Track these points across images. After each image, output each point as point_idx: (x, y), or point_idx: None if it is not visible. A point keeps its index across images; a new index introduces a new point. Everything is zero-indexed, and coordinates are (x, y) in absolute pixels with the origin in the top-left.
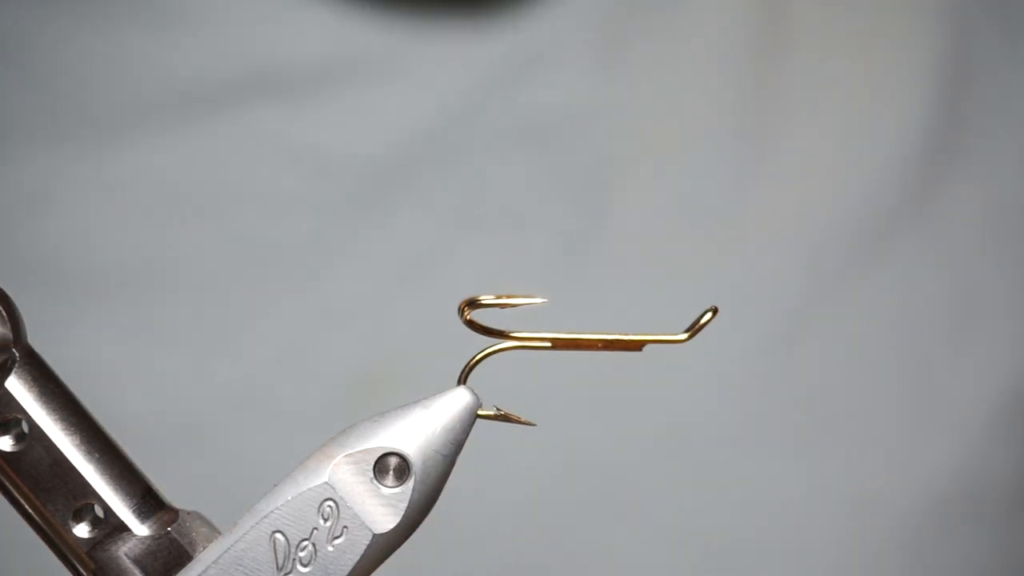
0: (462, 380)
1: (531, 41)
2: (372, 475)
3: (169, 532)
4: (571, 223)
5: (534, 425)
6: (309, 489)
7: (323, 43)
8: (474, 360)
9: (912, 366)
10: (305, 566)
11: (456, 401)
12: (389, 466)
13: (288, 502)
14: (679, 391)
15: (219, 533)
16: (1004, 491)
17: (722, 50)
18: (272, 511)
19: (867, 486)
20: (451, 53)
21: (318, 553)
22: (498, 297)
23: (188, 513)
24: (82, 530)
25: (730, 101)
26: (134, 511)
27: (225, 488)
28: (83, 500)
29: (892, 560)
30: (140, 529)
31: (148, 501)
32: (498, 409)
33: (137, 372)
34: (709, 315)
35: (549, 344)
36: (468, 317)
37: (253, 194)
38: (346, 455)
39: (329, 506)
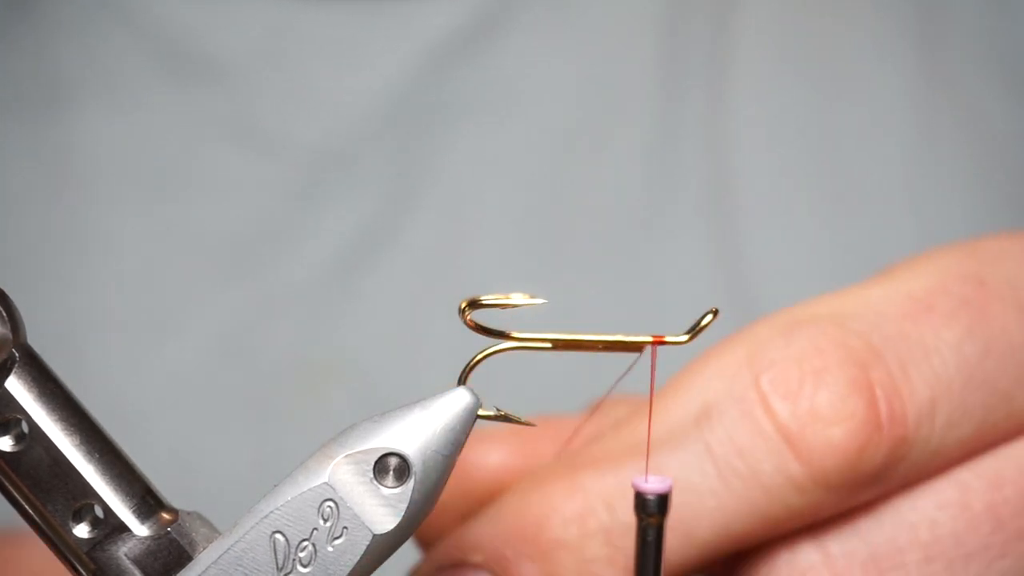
0: (462, 380)
1: (475, 7)
2: (372, 475)
3: (169, 532)
4: (531, 199)
5: (534, 425)
6: (309, 489)
7: (259, 24)
8: (474, 360)
9: None
10: (305, 566)
11: (456, 401)
12: (389, 466)
13: (288, 502)
14: None
15: (219, 533)
16: None
17: (680, 15)
18: (272, 511)
19: None
20: (391, 27)
21: (318, 553)
22: (500, 297)
23: (188, 513)
24: (82, 530)
25: (689, 66)
26: (134, 511)
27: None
28: (83, 500)
29: None
30: (140, 529)
31: (148, 501)
32: (498, 409)
33: (69, 358)
34: (710, 317)
35: (549, 345)
36: (469, 318)
37: (187, 175)
38: (346, 455)
39: (329, 506)
